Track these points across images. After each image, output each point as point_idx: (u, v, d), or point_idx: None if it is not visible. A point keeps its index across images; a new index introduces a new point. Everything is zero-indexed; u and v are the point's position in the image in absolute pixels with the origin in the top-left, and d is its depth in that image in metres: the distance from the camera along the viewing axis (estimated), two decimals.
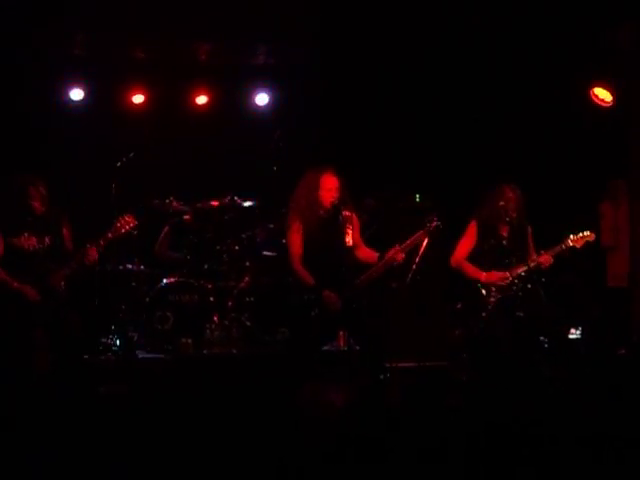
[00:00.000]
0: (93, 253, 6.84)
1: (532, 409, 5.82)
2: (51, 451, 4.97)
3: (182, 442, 5.21)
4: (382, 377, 6.95)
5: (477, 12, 8.71)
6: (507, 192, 7.46)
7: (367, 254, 7.13)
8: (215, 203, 9.23)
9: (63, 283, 6.93)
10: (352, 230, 7.08)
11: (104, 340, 8.60)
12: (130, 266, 9.02)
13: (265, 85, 10.51)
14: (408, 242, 6.97)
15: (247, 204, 9.28)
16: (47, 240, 6.97)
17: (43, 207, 6.98)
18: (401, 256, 6.93)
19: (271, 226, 9.22)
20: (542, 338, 7.51)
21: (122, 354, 8.40)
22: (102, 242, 6.89)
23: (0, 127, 9.34)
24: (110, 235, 6.91)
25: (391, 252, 6.92)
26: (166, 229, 9.53)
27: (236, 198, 9.20)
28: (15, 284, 6.79)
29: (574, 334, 9.19)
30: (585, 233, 7.43)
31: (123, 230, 6.94)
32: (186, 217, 9.31)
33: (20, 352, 6.83)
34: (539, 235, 7.66)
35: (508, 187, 7.49)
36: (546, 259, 7.39)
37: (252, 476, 4.65)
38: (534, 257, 7.44)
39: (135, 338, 8.74)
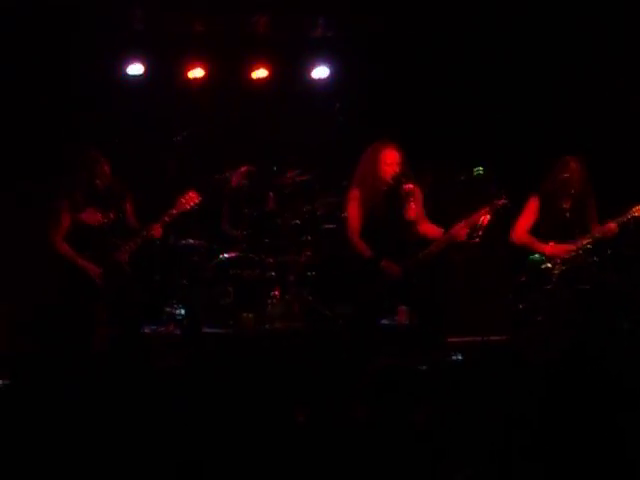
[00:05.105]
0: (158, 229, 6.89)
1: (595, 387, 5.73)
2: (108, 427, 5.01)
3: (241, 416, 5.23)
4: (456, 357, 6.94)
5: None
6: (571, 164, 7.42)
7: (430, 229, 7.08)
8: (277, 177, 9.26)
9: (127, 258, 6.99)
10: (414, 204, 7.02)
11: (168, 309, 8.65)
12: (191, 241, 9.04)
13: (324, 58, 10.41)
14: (472, 218, 6.90)
15: (307, 178, 9.28)
16: (111, 215, 7.03)
17: (105, 185, 7.03)
18: (465, 232, 6.87)
19: (331, 199, 9.18)
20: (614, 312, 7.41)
21: (186, 324, 8.44)
22: (167, 218, 6.94)
23: (60, 103, 9.37)
24: (174, 211, 6.96)
25: (455, 228, 6.87)
26: (226, 205, 9.55)
27: (297, 172, 9.20)
28: (80, 260, 6.86)
29: None
30: None
31: (187, 206, 6.98)
32: (244, 192, 9.34)
33: (81, 328, 6.91)
34: (602, 207, 7.58)
35: (572, 159, 7.46)
36: (611, 228, 7.34)
37: (308, 452, 4.65)
38: (598, 227, 7.37)
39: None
